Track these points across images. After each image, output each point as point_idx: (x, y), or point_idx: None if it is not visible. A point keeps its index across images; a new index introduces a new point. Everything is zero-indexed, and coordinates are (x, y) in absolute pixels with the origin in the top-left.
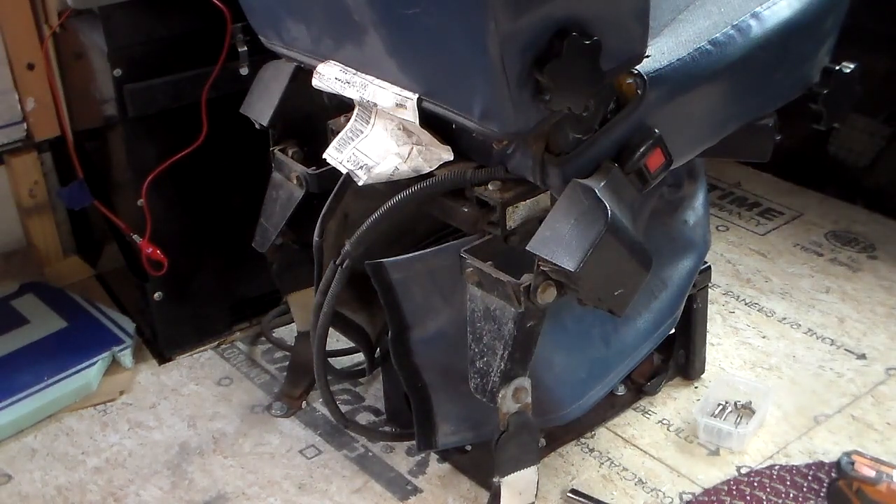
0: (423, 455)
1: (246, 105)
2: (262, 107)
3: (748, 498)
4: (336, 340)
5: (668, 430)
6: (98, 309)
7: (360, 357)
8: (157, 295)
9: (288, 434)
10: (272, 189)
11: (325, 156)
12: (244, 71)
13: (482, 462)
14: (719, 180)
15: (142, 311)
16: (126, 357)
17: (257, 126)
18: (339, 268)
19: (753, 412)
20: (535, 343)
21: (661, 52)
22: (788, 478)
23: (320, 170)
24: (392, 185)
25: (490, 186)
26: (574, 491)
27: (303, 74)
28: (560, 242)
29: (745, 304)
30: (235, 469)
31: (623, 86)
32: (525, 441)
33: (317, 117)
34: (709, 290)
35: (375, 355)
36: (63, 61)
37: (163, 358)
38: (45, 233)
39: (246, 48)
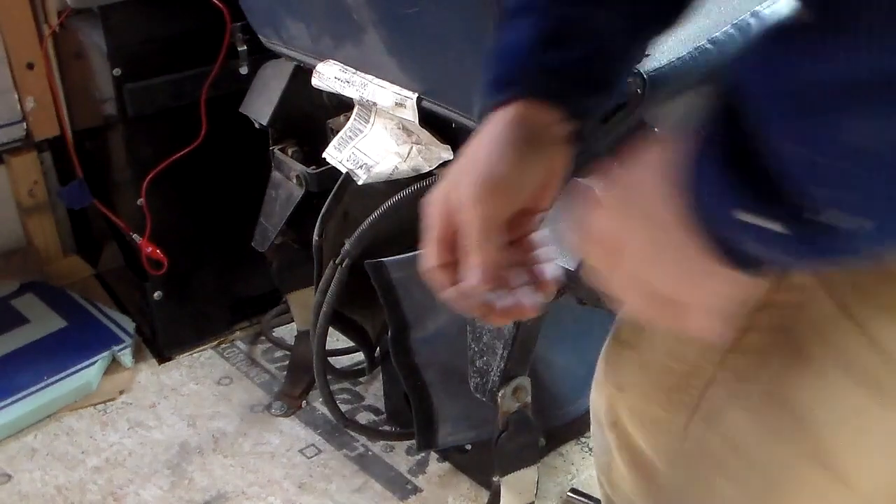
0: (422, 454)
1: (245, 104)
2: (261, 106)
3: None
4: (336, 340)
5: None
6: (98, 308)
7: (360, 357)
8: (157, 294)
9: (288, 433)
10: (272, 188)
11: (324, 155)
12: (244, 70)
13: (482, 462)
14: None
15: (142, 311)
16: (126, 357)
17: (257, 125)
18: (339, 267)
19: None
20: (535, 342)
21: (660, 50)
22: None
23: (320, 169)
24: (392, 185)
25: None
26: (574, 490)
27: (302, 73)
28: (560, 242)
29: None
30: (235, 468)
31: None
32: (525, 440)
33: (316, 116)
34: None
35: (375, 355)
36: (63, 61)
37: (163, 357)
38: (45, 232)
39: (245, 47)
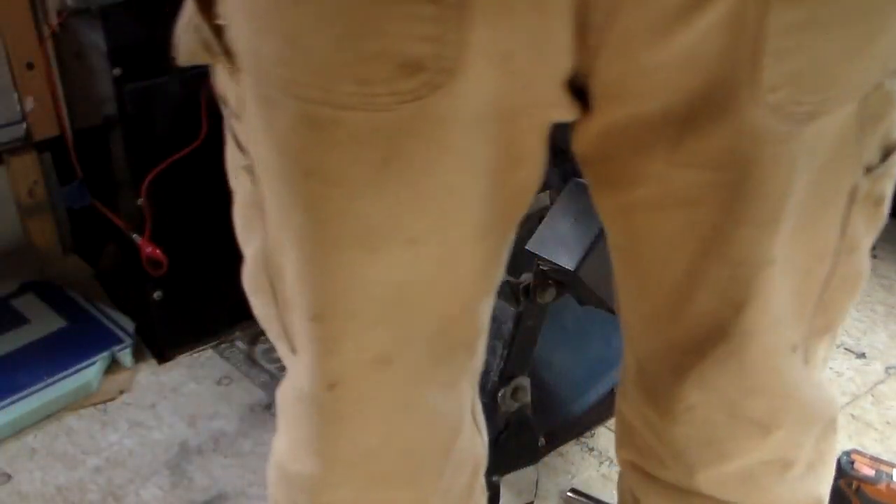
0: None
1: None
2: None
3: None
4: None
5: None
6: (98, 308)
7: None
8: (156, 294)
9: None
10: None
11: None
12: None
13: None
14: None
15: (142, 311)
16: (126, 356)
17: None
18: None
19: None
20: (535, 342)
21: None
22: None
23: None
24: None
25: None
26: (574, 490)
27: None
28: (559, 242)
29: None
30: (235, 469)
31: None
32: (524, 440)
33: None
34: None
35: None
36: (63, 61)
37: (163, 357)
38: (44, 232)
39: None
